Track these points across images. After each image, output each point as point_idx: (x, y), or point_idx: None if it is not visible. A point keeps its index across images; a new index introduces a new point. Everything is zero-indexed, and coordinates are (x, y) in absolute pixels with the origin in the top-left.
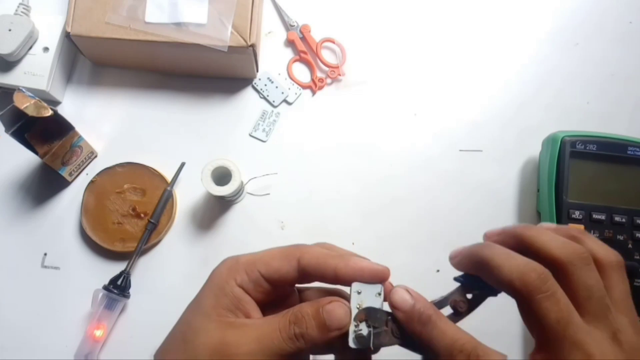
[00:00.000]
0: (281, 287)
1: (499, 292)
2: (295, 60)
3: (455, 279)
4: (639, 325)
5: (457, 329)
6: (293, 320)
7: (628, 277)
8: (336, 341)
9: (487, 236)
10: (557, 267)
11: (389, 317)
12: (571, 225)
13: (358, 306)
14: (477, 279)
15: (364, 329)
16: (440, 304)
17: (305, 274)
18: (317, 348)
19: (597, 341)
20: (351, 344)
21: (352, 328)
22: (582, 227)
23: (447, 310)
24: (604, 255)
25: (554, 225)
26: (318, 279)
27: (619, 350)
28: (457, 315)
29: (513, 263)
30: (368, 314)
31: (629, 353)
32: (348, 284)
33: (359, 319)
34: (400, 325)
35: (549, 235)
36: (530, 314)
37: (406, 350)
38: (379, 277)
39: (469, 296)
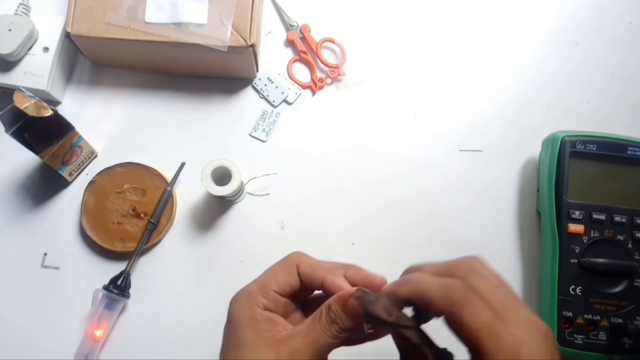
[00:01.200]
0: (293, 298)
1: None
2: (295, 60)
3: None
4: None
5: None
6: (330, 321)
7: (628, 277)
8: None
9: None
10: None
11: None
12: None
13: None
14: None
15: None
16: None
17: (303, 282)
18: (355, 334)
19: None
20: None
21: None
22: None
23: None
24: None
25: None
26: (311, 288)
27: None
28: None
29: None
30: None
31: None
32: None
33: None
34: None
35: (426, 279)
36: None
37: None
38: (373, 285)
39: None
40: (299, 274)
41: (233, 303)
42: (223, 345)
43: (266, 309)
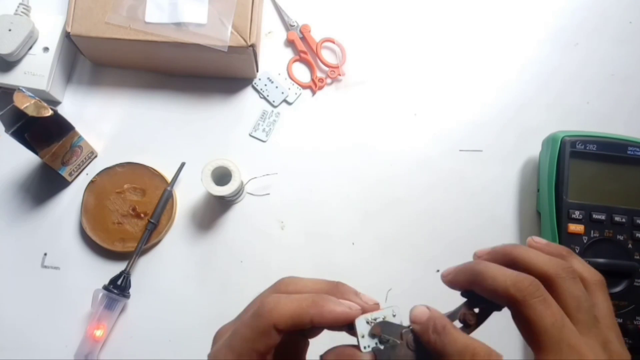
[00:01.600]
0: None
1: (503, 307)
2: (295, 60)
3: (462, 294)
4: (623, 341)
5: (469, 337)
6: None
7: (628, 277)
8: None
9: (477, 255)
10: (545, 281)
11: (404, 331)
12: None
13: (364, 335)
14: (475, 294)
15: (379, 344)
16: (450, 317)
17: (290, 332)
18: None
19: (591, 347)
20: (363, 349)
21: (363, 331)
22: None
23: (457, 325)
24: (588, 274)
25: (544, 240)
26: (300, 331)
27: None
28: (467, 327)
29: (506, 273)
30: (383, 328)
31: None
32: (327, 327)
33: (374, 331)
34: (417, 337)
35: (536, 252)
36: (526, 319)
37: None
38: (350, 320)
39: (476, 310)
40: (282, 331)
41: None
42: None
43: None
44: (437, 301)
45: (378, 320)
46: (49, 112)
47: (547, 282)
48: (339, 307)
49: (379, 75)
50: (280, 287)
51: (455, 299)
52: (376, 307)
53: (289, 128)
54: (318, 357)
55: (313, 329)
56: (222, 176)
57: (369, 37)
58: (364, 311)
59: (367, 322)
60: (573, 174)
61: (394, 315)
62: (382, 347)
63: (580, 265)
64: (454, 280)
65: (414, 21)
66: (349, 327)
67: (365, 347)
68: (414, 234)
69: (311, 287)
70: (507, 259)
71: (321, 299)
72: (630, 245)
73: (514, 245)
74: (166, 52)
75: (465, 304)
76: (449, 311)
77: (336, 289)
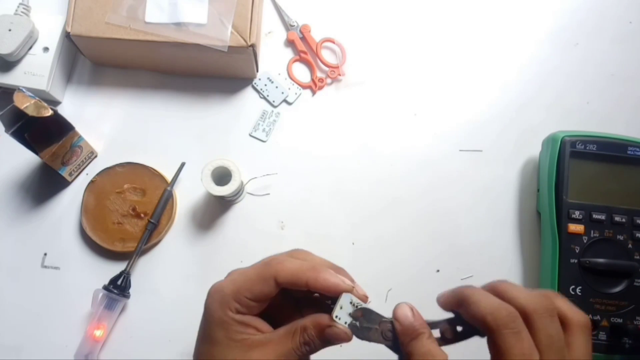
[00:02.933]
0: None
1: (484, 335)
2: (295, 60)
3: (452, 311)
4: None
5: (438, 348)
6: (303, 342)
7: (628, 277)
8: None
9: (467, 287)
10: (524, 316)
11: (382, 320)
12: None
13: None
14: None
15: (354, 321)
16: (432, 325)
17: (284, 289)
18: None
19: None
20: (334, 317)
21: (339, 313)
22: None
23: (436, 334)
24: (573, 316)
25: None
26: (294, 290)
27: None
28: (443, 340)
29: (488, 301)
30: (364, 313)
31: None
32: (319, 292)
33: (355, 314)
34: (393, 330)
35: (520, 289)
36: (496, 348)
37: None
38: (339, 292)
39: (459, 328)
40: (280, 284)
41: (208, 298)
42: (198, 336)
43: (239, 312)
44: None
45: (361, 306)
46: (49, 112)
47: (526, 317)
48: (333, 278)
49: (379, 75)
50: (293, 253)
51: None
52: (365, 298)
53: (289, 128)
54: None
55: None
56: (222, 176)
57: (369, 37)
58: (352, 292)
59: (351, 302)
60: (573, 174)
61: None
62: (357, 323)
63: (566, 306)
64: (445, 302)
65: (414, 21)
66: (333, 300)
67: (337, 317)
68: (414, 234)
69: (318, 261)
70: (494, 292)
71: (320, 267)
72: (630, 245)
73: (501, 282)
74: (166, 52)
75: (449, 319)
76: (433, 319)
77: (337, 270)
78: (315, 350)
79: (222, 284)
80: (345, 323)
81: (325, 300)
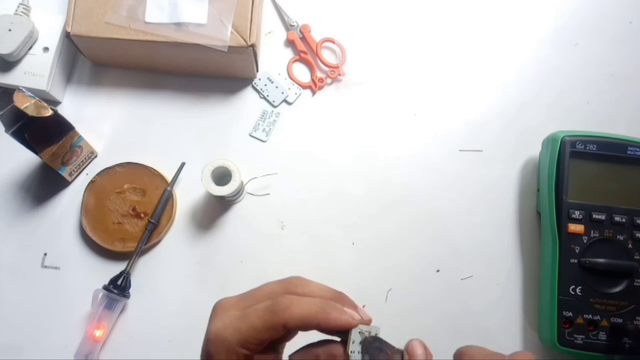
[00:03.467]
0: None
1: None
2: (295, 60)
3: None
4: None
5: None
6: None
7: (628, 277)
8: None
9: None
10: None
11: (392, 350)
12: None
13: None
14: None
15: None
16: None
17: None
18: None
19: None
20: (350, 353)
21: (355, 338)
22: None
23: None
24: None
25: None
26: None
27: None
28: None
29: None
30: (374, 340)
31: None
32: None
33: (366, 343)
34: None
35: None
36: None
37: None
38: (349, 328)
39: None
40: (289, 330)
41: (210, 346)
42: None
43: (247, 357)
44: (437, 301)
45: (372, 334)
46: (49, 112)
47: None
48: (343, 316)
49: (379, 75)
50: (290, 287)
51: (454, 300)
52: (369, 322)
53: (289, 128)
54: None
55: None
56: (222, 176)
57: (369, 37)
58: (362, 323)
59: (360, 332)
60: (573, 174)
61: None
62: (368, 358)
63: None
64: None
65: (414, 21)
66: (341, 332)
67: (352, 352)
68: (414, 234)
69: (318, 292)
70: None
71: (328, 306)
72: (630, 245)
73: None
74: (166, 52)
75: None
76: None
77: (339, 299)
78: None
79: (224, 331)
80: (358, 353)
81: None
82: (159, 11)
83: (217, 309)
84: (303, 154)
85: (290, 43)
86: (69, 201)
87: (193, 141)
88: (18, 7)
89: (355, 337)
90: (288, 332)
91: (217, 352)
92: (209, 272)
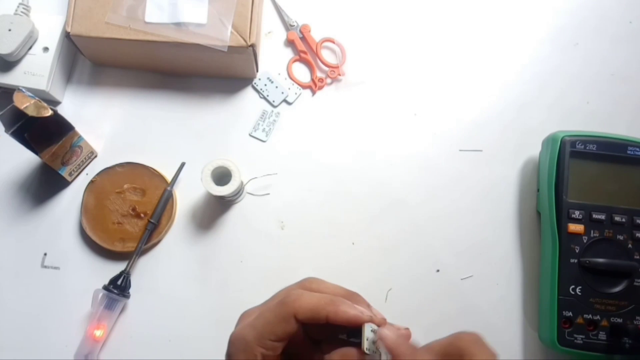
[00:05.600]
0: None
1: None
2: (295, 60)
3: None
4: None
5: None
6: None
7: (628, 277)
8: None
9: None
10: None
11: None
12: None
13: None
14: None
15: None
16: None
17: (306, 324)
18: None
19: None
20: (366, 350)
21: (368, 335)
22: None
23: None
24: None
25: None
26: (314, 325)
27: None
28: None
29: None
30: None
31: None
32: (339, 325)
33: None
34: None
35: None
36: None
37: None
38: (359, 323)
39: None
40: (299, 321)
41: (231, 348)
42: None
43: (265, 357)
44: (437, 301)
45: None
46: (49, 112)
47: None
48: (352, 310)
49: (379, 75)
50: (305, 284)
51: (454, 300)
52: (384, 321)
53: (289, 128)
54: None
55: (327, 328)
56: (222, 176)
57: (369, 37)
58: (372, 321)
59: (372, 331)
60: (573, 174)
61: None
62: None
63: None
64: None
65: (414, 21)
66: (350, 333)
67: (367, 349)
68: (414, 234)
69: (332, 289)
70: None
71: (338, 300)
72: (630, 245)
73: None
74: (166, 52)
75: None
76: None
77: (352, 297)
78: None
79: (242, 331)
80: (373, 352)
81: (339, 332)
82: (158, 11)
83: (241, 317)
84: (303, 154)
85: (290, 43)
86: (69, 201)
87: (193, 141)
88: (18, 7)
89: (368, 335)
90: (304, 328)
91: (236, 352)
92: (209, 272)
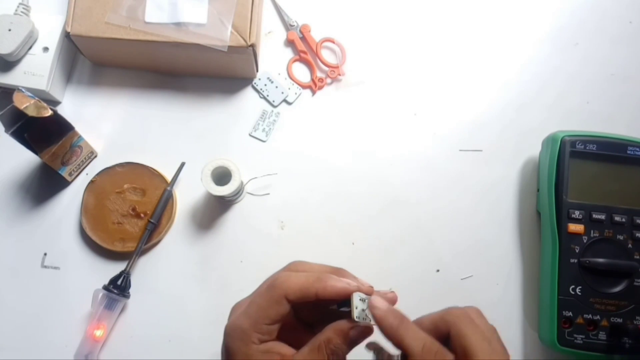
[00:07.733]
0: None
1: None
2: (295, 60)
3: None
4: None
5: (424, 333)
6: (331, 352)
7: (628, 277)
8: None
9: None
10: None
11: (390, 356)
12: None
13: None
14: None
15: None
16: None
17: (298, 304)
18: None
19: None
20: (356, 318)
21: (357, 304)
22: None
23: None
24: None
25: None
26: (305, 304)
27: None
28: None
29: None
30: (376, 346)
31: None
32: (328, 299)
33: (373, 346)
34: None
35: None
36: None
37: None
38: (348, 294)
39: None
40: (291, 302)
41: (227, 338)
42: None
43: (262, 342)
44: (437, 301)
45: (373, 344)
46: (48, 112)
47: None
48: (339, 283)
49: (379, 75)
50: (291, 267)
51: (454, 300)
52: (371, 289)
53: (289, 128)
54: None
55: (317, 309)
56: (222, 176)
57: (369, 37)
58: (360, 290)
59: (361, 299)
60: (573, 174)
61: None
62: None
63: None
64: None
65: (414, 21)
66: (341, 304)
67: (357, 317)
68: (414, 234)
69: (318, 268)
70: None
71: (325, 275)
72: (630, 245)
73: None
74: (166, 52)
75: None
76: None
77: (338, 272)
78: (343, 357)
79: (236, 321)
80: (364, 319)
81: (329, 306)
82: (158, 11)
83: (232, 309)
84: (303, 154)
85: (290, 43)
86: (69, 201)
87: (193, 141)
88: (18, 7)
89: (357, 304)
90: (296, 309)
91: (233, 342)
92: (209, 272)
